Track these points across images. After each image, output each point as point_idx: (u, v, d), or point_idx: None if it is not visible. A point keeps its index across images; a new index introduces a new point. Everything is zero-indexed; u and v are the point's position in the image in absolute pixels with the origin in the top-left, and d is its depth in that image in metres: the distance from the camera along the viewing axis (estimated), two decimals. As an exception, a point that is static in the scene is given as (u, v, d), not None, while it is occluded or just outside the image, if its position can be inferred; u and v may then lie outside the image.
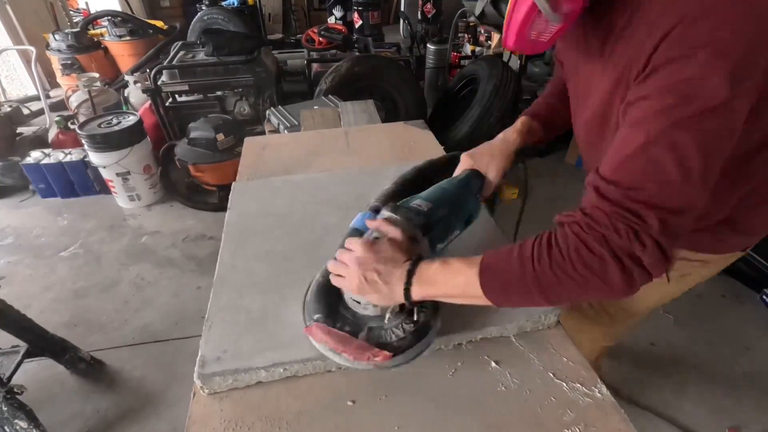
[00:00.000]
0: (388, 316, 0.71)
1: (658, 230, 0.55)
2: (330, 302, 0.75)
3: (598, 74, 0.72)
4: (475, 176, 0.91)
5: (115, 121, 2.73)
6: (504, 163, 0.93)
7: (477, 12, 0.70)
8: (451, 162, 0.99)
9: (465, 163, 0.94)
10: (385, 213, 0.77)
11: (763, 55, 0.54)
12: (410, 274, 0.67)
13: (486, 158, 0.93)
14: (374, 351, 0.66)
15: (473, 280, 0.63)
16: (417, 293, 0.67)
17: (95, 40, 4.59)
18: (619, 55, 0.65)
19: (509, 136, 0.97)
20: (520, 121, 1.00)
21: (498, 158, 0.93)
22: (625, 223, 0.56)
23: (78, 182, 2.99)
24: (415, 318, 0.70)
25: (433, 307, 0.72)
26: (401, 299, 0.68)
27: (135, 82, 3.54)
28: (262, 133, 2.47)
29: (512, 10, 0.63)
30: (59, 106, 4.12)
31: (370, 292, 0.69)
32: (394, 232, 0.72)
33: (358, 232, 0.81)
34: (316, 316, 0.72)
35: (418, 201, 0.79)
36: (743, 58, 0.53)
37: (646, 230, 0.55)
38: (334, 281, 0.74)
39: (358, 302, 0.73)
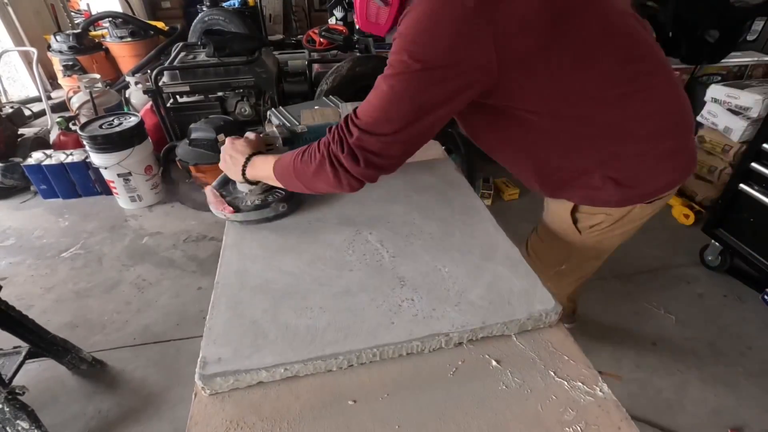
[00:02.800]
0: (246, 192, 1.07)
1: (354, 141, 0.78)
2: (227, 181, 1.12)
3: None
4: None
5: (116, 122, 2.73)
6: None
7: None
8: None
9: None
10: (269, 127, 1.15)
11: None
12: (246, 161, 0.99)
13: None
14: (225, 206, 1.03)
15: (271, 168, 0.93)
16: (249, 173, 1.00)
17: (96, 41, 4.60)
18: None
19: None
20: None
21: None
22: (339, 133, 0.80)
23: (79, 183, 2.99)
24: (263, 198, 1.05)
25: (283, 196, 1.05)
26: (241, 177, 1.01)
27: (136, 83, 3.55)
28: (263, 133, 2.47)
29: (354, 2, 0.88)
30: (61, 107, 4.13)
31: (227, 170, 1.05)
32: (250, 136, 1.05)
33: None
34: (213, 184, 1.11)
35: (303, 126, 1.15)
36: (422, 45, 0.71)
37: (347, 139, 0.79)
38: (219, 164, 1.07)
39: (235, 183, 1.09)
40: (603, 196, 0.97)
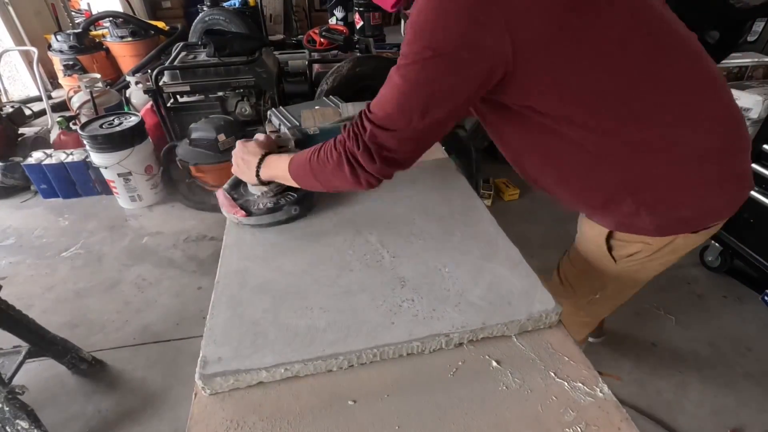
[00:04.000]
0: (258, 194, 1.06)
1: (368, 138, 0.77)
2: (238, 183, 1.11)
3: None
4: None
5: (116, 121, 2.74)
6: None
7: None
8: None
9: None
10: (282, 129, 1.14)
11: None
12: (260, 161, 0.98)
13: None
14: (237, 210, 1.02)
15: (288, 166, 0.91)
16: (263, 174, 0.98)
17: (97, 41, 4.60)
18: None
19: None
20: None
21: None
22: (354, 130, 0.79)
23: (79, 183, 3.00)
24: (275, 201, 1.04)
25: (296, 199, 1.04)
26: (255, 179, 1.00)
27: (136, 83, 3.55)
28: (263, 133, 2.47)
29: None
30: (61, 106, 4.13)
31: (240, 173, 1.04)
32: (260, 138, 1.02)
33: None
34: (224, 186, 1.10)
35: (315, 128, 1.13)
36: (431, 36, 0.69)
37: (362, 136, 0.77)
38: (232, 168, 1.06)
39: (247, 185, 1.09)
40: (638, 224, 0.88)
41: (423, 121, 0.75)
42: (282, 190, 1.05)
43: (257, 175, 0.99)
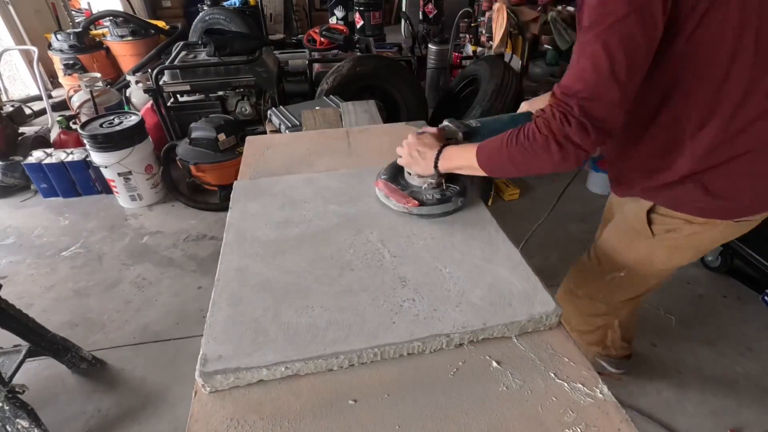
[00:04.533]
0: (424, 186, 1.06)
1: (579, 112, 0.76)
2: (395, 172, 1.11)
3: None
4: (527, 116, 1.11)
5: (116, 121, 2.74)
6: None
7: None
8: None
9: (523, 107, 1.18)
10: (444, 122, 1.10)
11: None
12: (439, 153, 0.98)
13: (539, 103, 1.11)
14: (409, 200, 1.03)
15: (473, 154, 0.91)
16: (442, 165, 0.98)
17: (97, 40, 4.60)
18: None
19: None
20: None
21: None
22: (559, 110, 0.78)
23: (80, 182, 3.00)
24: (444, 191, 1.05)
25: (459, 191, 1.05)
26: (432, 170, 1.00)
27: (137, 82, 3.55)
28: (264, 133, 2.47)
29: None
30: (61, 106, 4.13)
31: (413, 164, 1.03)
32: (432, 130, 1.04)
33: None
34: (383, 176, 1.10)
35: (476, 121, 1.10)
36: None
37: (570, 113, 0.76)
38: (398, 160, 1.08)
39: (410, 174, 1.08)
40: (688, 200, 0.92)
41: (632, 80, 0.75)
42: (440, 181, 1.06)
43: (435, 166, 0.99)
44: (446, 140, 1.05)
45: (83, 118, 2.98)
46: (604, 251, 1.20)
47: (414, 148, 1.02)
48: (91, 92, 3.21)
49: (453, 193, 1.05)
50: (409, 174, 1.08)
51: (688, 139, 0.87)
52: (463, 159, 0.95)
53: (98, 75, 3.55)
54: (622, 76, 0.74)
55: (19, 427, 1.45)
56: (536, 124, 0.81)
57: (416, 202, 1.02)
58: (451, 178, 1.06)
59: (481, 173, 0.93)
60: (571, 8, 4.05)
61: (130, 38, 4.59)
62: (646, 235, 1.05)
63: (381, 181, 1.08)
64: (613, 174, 1.09)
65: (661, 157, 0.92)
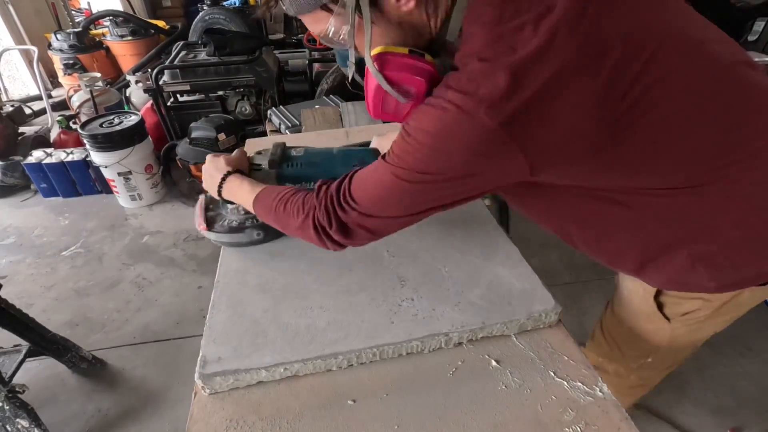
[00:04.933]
0: (228, 211, 1.02)
1: (349, 220, 0.70)
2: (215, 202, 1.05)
3: None
4: (371, 154, 1.01)
5: (116, 120, 2.73)
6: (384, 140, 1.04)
7: (348, 78, 0.77)
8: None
9: (374, 142, 1.08)
10: (267, 145, 1.04)
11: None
12: (222, 181, 0.92)
13: (388, 142, 1.00)
14: (201, 221, 1.00)
15: (251, 199, 0.85)
16: (225, 193, 0.92)
17: (97, 40, 4.60)
18: None
19: None
20: None
21: (389, 137, 1.03)
22: (329, 205, 0.71)
23: (80, 182, 3.00)
24: (240, 221, 0.99)
25: (261, 223, 0.97)
26: (216, 194, 0.93)
27: (137, 82, 3.55)
28: (264, 133, 2.48)
29: (366, 88, 0.72)
30: (61, 105, 4.12)
31: (206, 185, 0.97)
32: (234, 153, 0.97)
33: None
34: (207, 193, 1.01)
35: (300, 149, 1.01)
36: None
37: (338, 215, 0.70)
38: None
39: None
40: (694, 280, 0.73)
41: (417, 216, 0.69)
42: None
43: (219, 194, 0.93)
44: (253, 165, 0.97)
45: (83, 118, 2.98)
46: (618, 336, 1.03)
47: (208, 170, 0.95)
48: (91, 92, 3.21)
49: (252, 224, 0.98)
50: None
51: (661, 219, 0.70)
52: (241, 197, 0.89)
53: (98, 75, 3.55)
54: (410, 209, 0.68)
55: (19, 426, 1.45)
56: (304, 201, 0.74)
57: (204, 225, 0.98)
58: None
59: (254, 211, 0.88)
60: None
61: (130, 38, 4.58)
62: (659, 321, 0.88)
63: (202, 196, 1.05)
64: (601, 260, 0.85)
65: (635, 237, 0.74)
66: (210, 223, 0.99)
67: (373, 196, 0.68)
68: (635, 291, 0.90)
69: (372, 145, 1.07)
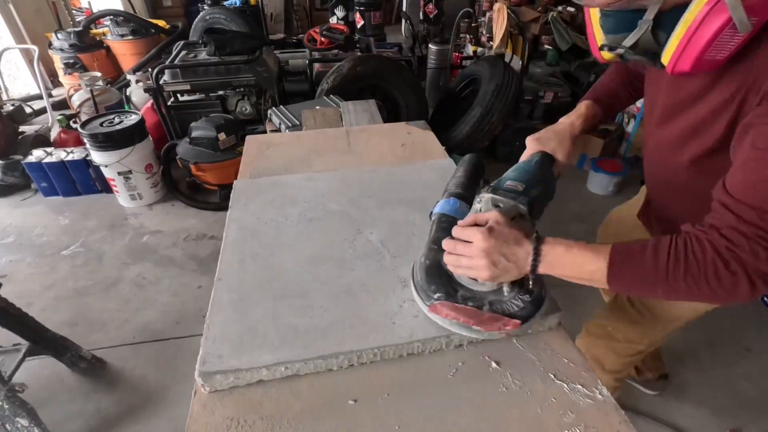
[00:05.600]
0: (506, 289, 0.76)
1: None
2: (444, 281, 0.78)
3: (699, 90, 0.73)
4: (547, 158, 0.93)
5: (117, 120, 2.74)
6: (571, 147, 0.96)
7: (629, 43, 0.69)
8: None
9: (532, 146, 0.96)
10: (486, 195, 0.79)
11: None
12: (537, 252, 0.70)
13: (553, 142, 0.95)
14: (504, 321, 0.72)
15: (602, 270, 0.67)
16: (542, 270, 0.72)
17: (97, 39, 4.60)
18: (733, 75, 0.66)
19: (574, 121, 0.99)
20: (584, 105, 1.02)
21: (565, 141, 0.96)
22: (764, 246, 0.59)
23: (80, 181, 3.00)
24: (530, 288, 0.75)
25: (540, 277, 0.75)
26: (530, 274, 0.73)
27: (137, 82, 3.55)
28: (264, 132, 2.47)
29: (694, 30, 0.61)
30: (61, 105, 4.13)
31: (501, 275, 0.72)
32: (496, 217, 0.73)
33: (449, 218, 0.86)
34: (437, 296, 0.75)
35: (510, 182, 0.82)
36: None
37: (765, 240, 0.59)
38: (460, 272, 0.76)
39: (475, 280, 0.76)
40: None
41: None
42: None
43: (533, 271, 0.72)
44: (510, 219, 0.76)
45: (83, 117, 2.98)
46: (652, 306, 1.08)
47: (496, 254, 0.70)
48: (91, 91, 3.21)
49: (539, 286, 0.76)
50: (472, 279, 0.77)
51: None
52: (583, 272, 0.70)
53: (98, 74, 3.55)
54: None
55: (19, 425, 1.45)
56: (722, 258, 0.61)
57: (516, 322, 0.72)
58: None
59: (596, 286, 0.72)
60: (571, 8, 4.04)
61: (130, 37, 4.59)
62: None
63: (441, 305, 0.74)
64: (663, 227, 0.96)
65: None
66: (511, 315, 0.73)
67: None
68: None
69: (530, 152, 0.95)
